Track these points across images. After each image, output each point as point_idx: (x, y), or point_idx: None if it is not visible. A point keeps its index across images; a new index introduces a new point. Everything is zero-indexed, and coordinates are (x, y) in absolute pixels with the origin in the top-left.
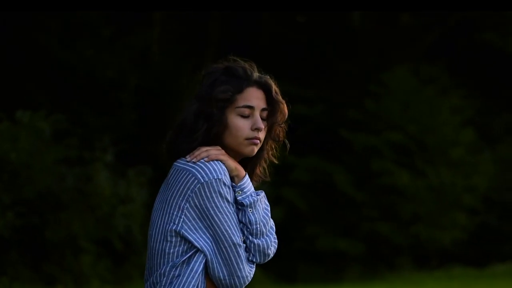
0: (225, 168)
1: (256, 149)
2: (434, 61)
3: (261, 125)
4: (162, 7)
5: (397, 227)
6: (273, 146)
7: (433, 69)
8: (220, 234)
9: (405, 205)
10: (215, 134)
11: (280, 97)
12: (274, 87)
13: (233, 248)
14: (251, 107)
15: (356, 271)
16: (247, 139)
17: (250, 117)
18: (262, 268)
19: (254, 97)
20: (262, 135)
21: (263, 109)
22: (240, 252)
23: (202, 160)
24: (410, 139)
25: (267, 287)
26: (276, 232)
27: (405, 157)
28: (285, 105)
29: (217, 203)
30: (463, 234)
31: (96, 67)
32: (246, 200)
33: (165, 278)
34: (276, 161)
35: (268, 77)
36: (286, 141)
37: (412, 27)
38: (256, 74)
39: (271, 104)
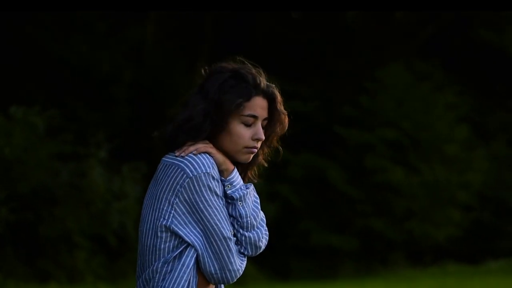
0: (214, 162)
1: (251, 157)
2: (428, 57)
3: (262, 136)
4: (157, 8)
5: (391, 224)
6: (265, 150)
7: (427, 65)
8: (210, 228)
9: (399, 202)
10: (214, 136)
11: (282, 108)
12: (279, 98)
13: (223, 241)
14: (255, 117)
15: (350, 267)
16: (246, 147)
17: (252, 126)
18: (257, 264)
19: (259, 107)
20: (259, 144)
21: (264, 119)
22: (230, 245)
23: (190, 154)
24: (405, 136)
25: (261, 283)
26: (270, 228)
27: (399, 153)
28: (286, 117)
29: (206, 197)
30: (458, 230)
31: (90, 62)
32: (236, 193)
33: (158, 275)
34: (266, 165)
35: (274, 86)
36: (280, 148)
37: (406, 24)
38: (264, 83)
39: (273, 114)
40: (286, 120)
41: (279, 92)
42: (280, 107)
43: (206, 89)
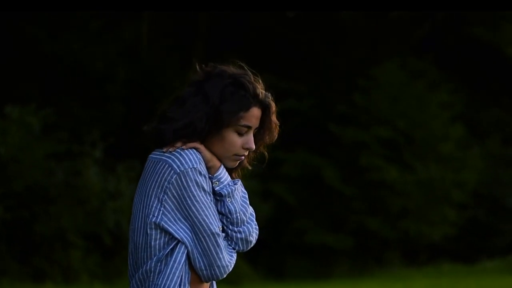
0: (201, 157)
1: (237, 163)
2: (422, 55)
3: (253, 146)
4: (152, 8)
5: (386, 222)
6: (251, 155)
7: (421, 63)
8: (198, 224)
9: (394, 200)
10: (206, 138)
11: (275, 118)
12: (273, 108)
13: (211, 237)
14: (249, 127)
15: (345, 266)
16: (236, 155)
17: (245, 134)
18: (252, 263)
19: (255, 117)
20: (247, 152)
21: (256, 128)
22: (218, 241)
23: (177, 150)
24: (399, 134)
25: (256, 283)
26: (265, 227)
27: (394, 152)
28: (277, 128)
29: (194, 192)
30: (452, 229)
31: (84, 60)
32: (224, 190)
33: (152, 274)
34: (250, 167)
35: (270, 95)
36: (265, 153)
37: (401, 22)
38: (262, 94)
39: (264, 122)
40: (277, 130)
41: (273, 102)
42: (273, 117)
43: (206, 93)
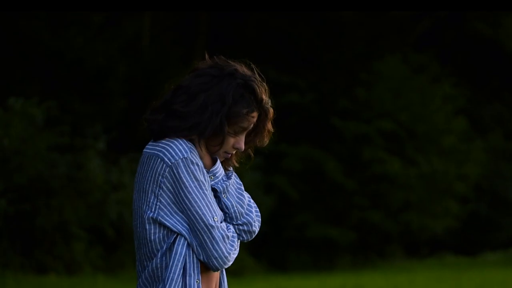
0: (191, 146)
1: (223, 159)
2: (424, 50)
3: (243, 147)
4: (152, 8)
5: (388, 215)
6: (238, 154)
7: (423, 58)
8: (192, 217)
9: (396, 193)
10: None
11: (270, 126)
12: (271, 115)
13: (205, 230)
14: (245, 129)
15: (347, 259)
16: (225, 152)
17: (239, 135)
18: (254, 256)
19: (252, 120)
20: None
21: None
22: (213, 233)
23: (167, 142)
24: (401, 127)
25: (259, 276)
26: (267, 220)
27: (396, 145)
28: (270, 134)
29: (186, 183)
30: (455, 222)
31: (85, 56)
32: (218, 185)
33: (159, 269)
34: (237, 165)
35: (270, 102)
36: (251, 154)
37: (402, 17)
38: (266, 100)
39: (257, 126)
40: (269, 136)
41: (272, 108)
42: (268, 124)
43: (222, 94)
